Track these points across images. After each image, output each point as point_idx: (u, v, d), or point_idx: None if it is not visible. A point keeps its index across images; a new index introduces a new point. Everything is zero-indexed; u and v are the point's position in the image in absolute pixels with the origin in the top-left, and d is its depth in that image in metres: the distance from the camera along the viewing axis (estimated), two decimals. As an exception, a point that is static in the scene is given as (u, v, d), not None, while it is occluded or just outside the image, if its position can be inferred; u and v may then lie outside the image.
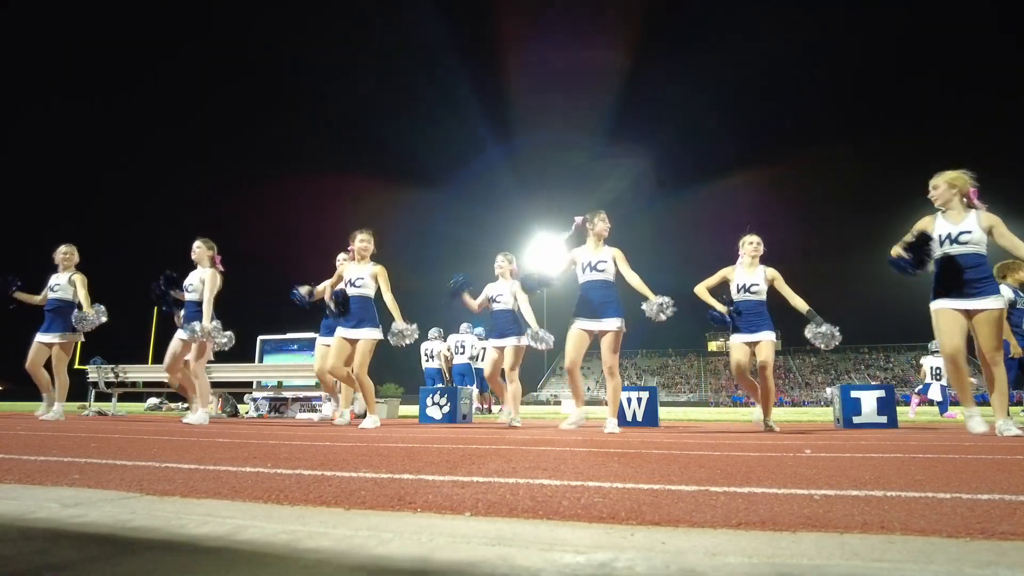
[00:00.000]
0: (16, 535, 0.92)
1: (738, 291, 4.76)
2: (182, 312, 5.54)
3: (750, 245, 4.80)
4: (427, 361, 10.51)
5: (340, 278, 5.37)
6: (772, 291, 4.76)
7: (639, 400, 5.94)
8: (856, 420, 5.43)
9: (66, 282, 5.86)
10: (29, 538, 0.90)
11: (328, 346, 5.51)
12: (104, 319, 5.77)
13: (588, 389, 54.75)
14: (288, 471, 1.66)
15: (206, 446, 2.60)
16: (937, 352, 10.41)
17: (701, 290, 4.88)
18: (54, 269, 5.97)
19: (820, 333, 4.55)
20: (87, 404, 9.42)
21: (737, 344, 4.71)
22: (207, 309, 5.33)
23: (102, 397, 9.25)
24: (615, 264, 4.62)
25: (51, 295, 5.85)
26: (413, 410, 11.36)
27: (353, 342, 5.10)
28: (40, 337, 5.78)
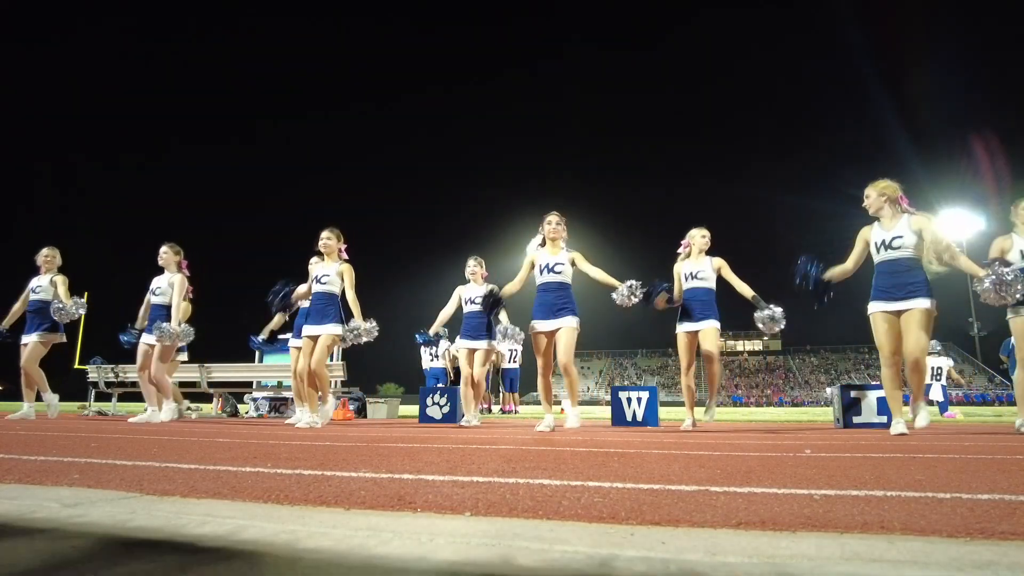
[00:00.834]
0: (16, 535, 0.92)
1: (686, 279, 4.94)
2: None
3: (702, 239, 4.99)
4: (432, 361, 10.50)
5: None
6: (721, 281, 4.94)
7: (639, 400, 5.94)
8: (856, 420, 5.42)
9: (47, 283, 5.90)
10: (29, 538, 0.90)
11: (300, 348, 5.50)
12: (83, 312, 5.76)
13: (588, 389, 54.70)
14: (288, 471, 1.66)
15: (206, 446, 2.60)
16: (935, 353, 10.42)
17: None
18: (36, 271, 5.99)
19: (763, 317, 4.73)
20: (87, 404, 9.41)
21: (680, 332, 4.94)
22: (175, 313, 5.46)
23: (102, 397, 9.25)
24: (572, 266, 4.71)
25: (33, 296, 5.87)
26: (413, 410, 11.36)
27: (315, 339, 5.10)
28: (24, 338, 5.82)
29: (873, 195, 4.09)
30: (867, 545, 0.85)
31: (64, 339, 5.98)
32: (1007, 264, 3.71)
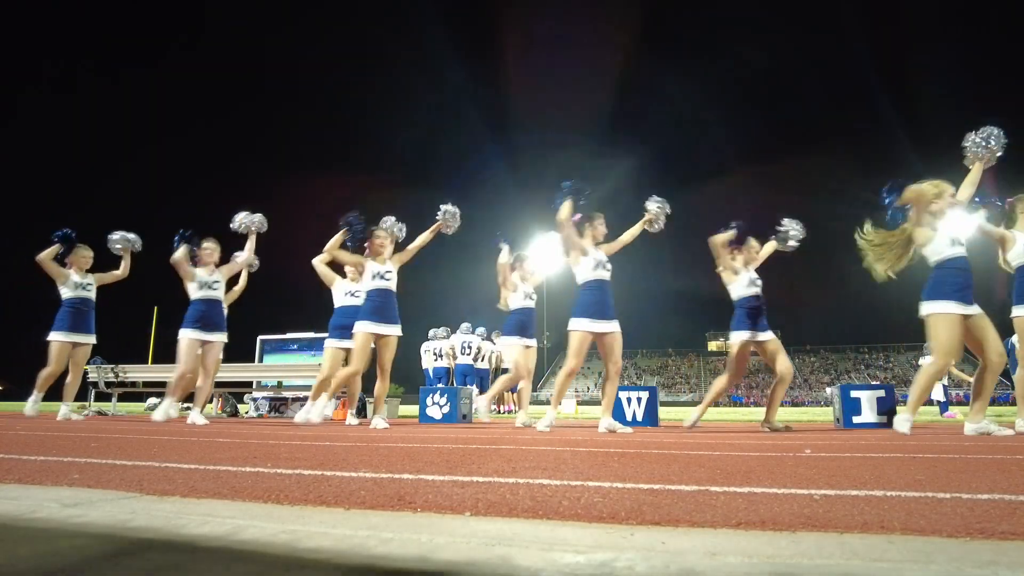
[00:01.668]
0: (16, 535, 0.92)
1: (750, 285, 4.76)
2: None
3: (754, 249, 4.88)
4: (436, 360, 10.50)
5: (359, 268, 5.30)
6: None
7: (639, 400, 5.94)
8: (856, 420, 5.43)
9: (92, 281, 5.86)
10: (29, 538, 0.90)
11: (345, 349, 5.47)
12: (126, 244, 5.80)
13: (588, 389, 54.71)
14: (288, 471, 1.66)
15: (206, 446, 2.60)
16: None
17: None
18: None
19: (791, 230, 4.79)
20: (87, 404, 9.41)
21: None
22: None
23: (102, 397, 9.24)
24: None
25: (91, 295, 5.85)
26: (413, 410, 11.35)
27: (386, 337, 4.95)
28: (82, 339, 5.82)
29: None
30: (867, 545, 0.85)
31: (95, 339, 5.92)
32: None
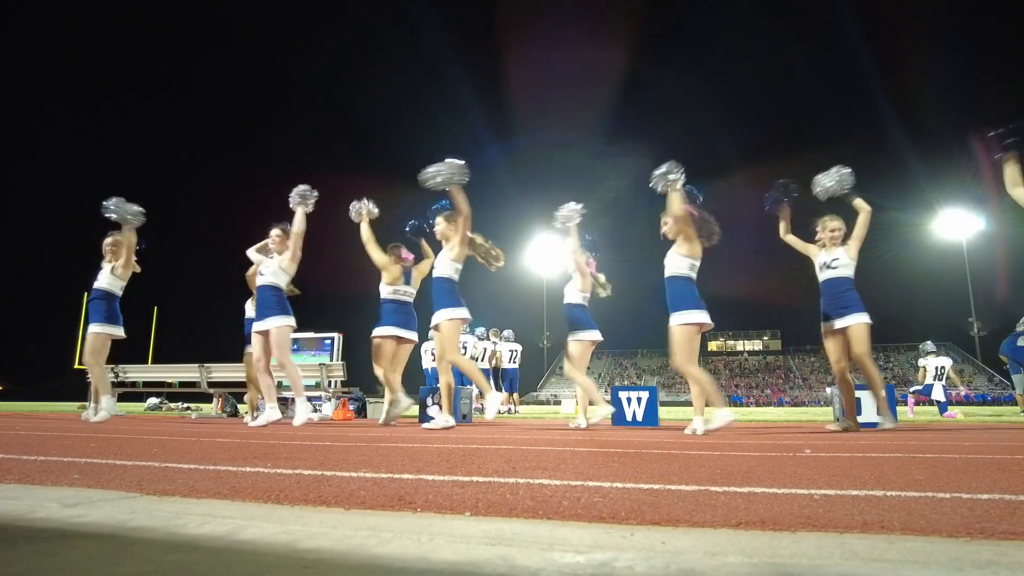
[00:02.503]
0: (16, 535, 0.92)
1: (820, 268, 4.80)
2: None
3: (831, 232, 4.83)
4: (433, 361, 10.50)
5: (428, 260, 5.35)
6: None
7: (639, 400, 5.94)
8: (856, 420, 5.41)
9: (109, 272, 5.43)
10: (29, 538, 0.90)
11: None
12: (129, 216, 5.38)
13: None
14: (288, 471, 1.66)
15: (206, 446, 2.60)
16: (934, 352, 10.50)
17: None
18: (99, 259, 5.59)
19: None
20: (87, 404, 9.42)
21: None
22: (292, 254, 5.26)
23: (102, 397, 9.24)
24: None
25: (96, 285, 5.43)
26: (413, 410, 11.35)
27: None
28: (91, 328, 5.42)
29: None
30: (867, 545, 0.85)
31: (123, 332, 5.54)
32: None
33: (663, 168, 4.17)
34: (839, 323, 4.58)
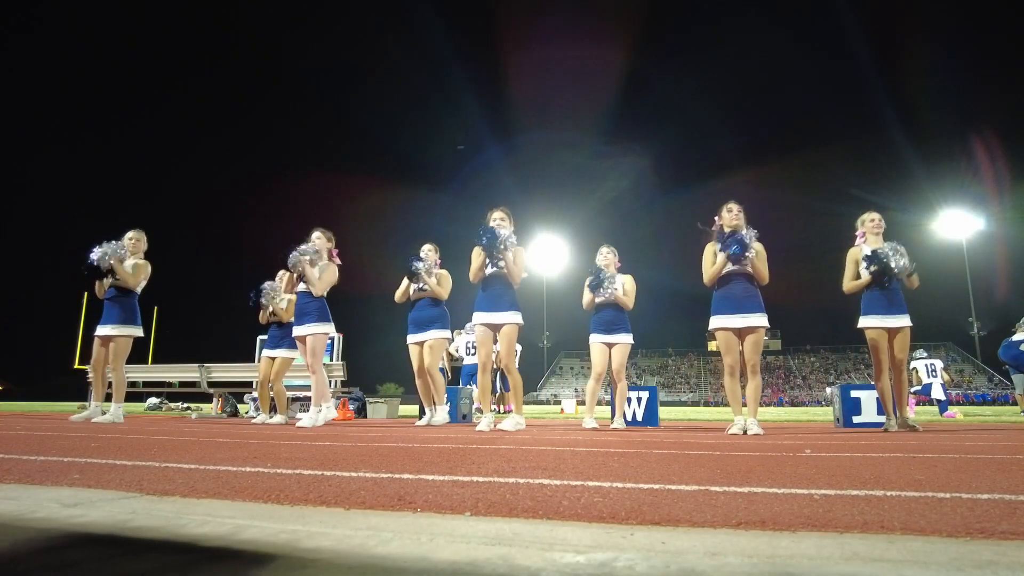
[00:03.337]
0: (16, 535, 0.92)
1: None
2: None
3: (872, 222, 4.78)
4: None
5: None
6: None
7: (639, 400, 5.94)
8: (856, 420, 5.42)
9: (129, 268, 5.33)
10: (29, 538, 0.90)
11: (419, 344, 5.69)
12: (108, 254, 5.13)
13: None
14: (288, 471, 1.66)
15: (206, 446, 2.60)
16: (923, 357, 10.61)
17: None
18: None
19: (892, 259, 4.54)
20: (87, 404, 9.41)
21: None
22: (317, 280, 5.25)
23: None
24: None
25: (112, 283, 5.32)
26: (413, 410, 11.36)
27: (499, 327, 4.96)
28: (98, 330, 5.30)
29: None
30: (867, 545, 0.85)
31: (142, 331, 5.46)
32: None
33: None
34: (899, 321, 4.55)
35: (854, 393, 5.53)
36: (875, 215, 4.78)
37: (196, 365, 8.54)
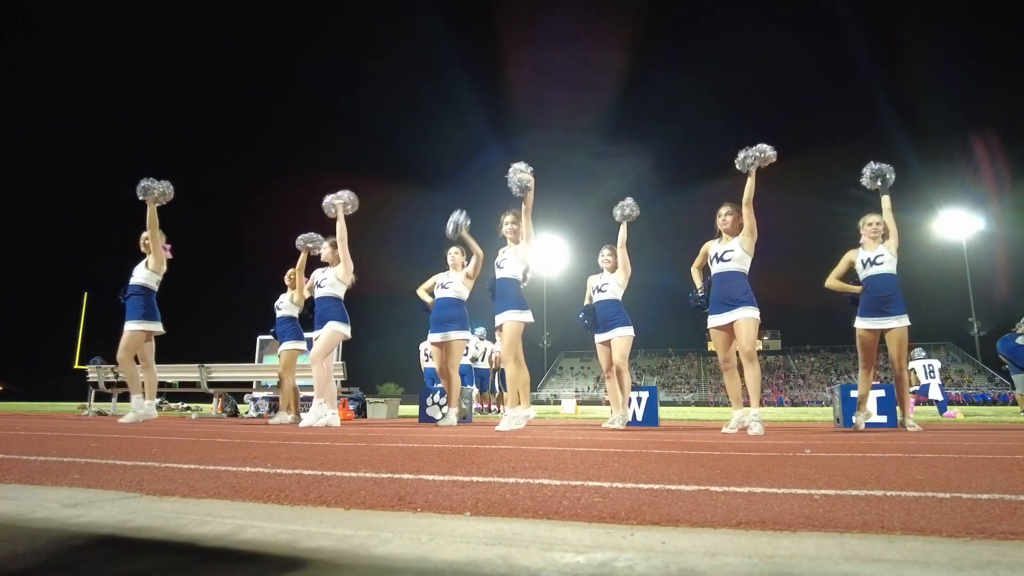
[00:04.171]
0: (16, 535, 0.92)
1: (863, 265, 4.79)
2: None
3: (870, 226, 4.82)
4: (427, 361, 10.50)
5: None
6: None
7: (639, 400, 5.94)
8: (855, 419, 5.42)
9: (143, 267, 5.42)
10: (29, 538, 0.90)
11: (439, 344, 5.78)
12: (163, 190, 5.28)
13: (588, 389, 54.74)
14: (288, 471, 1.66)
15: (206, 446, 2.60)
16: (922, 357, 10.63)
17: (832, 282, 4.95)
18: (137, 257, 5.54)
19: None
20: (87, 404, 9.42)
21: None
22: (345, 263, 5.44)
23: (102, 397, 9.25)
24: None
25: (132, 281, 5.41)
26: (413, 410, 11.35)
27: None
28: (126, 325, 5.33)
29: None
30: (867, 545, 0.85)
31: (162, 327, 5.45)
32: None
33: (759, 146, 4.33)
34: (892, 322, 4.60)
35: (854, 393, 5.52)
36: (874, 219, 4.82)
37: (196, 365, 8.54)
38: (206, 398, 9.57)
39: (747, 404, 4.25)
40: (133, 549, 0.84)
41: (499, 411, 11.00)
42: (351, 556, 0.79)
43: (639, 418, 5.91)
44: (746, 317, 4.23)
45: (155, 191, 5.28)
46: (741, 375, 4.37)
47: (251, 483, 1.43)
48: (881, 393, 5.48)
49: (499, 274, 4.89)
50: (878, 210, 4.82)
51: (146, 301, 5.36)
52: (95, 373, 8.84)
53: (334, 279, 5.40)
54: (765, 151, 4.29)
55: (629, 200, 5.35)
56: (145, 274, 5.42)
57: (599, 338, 5.47)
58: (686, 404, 49.81)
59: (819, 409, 24.12)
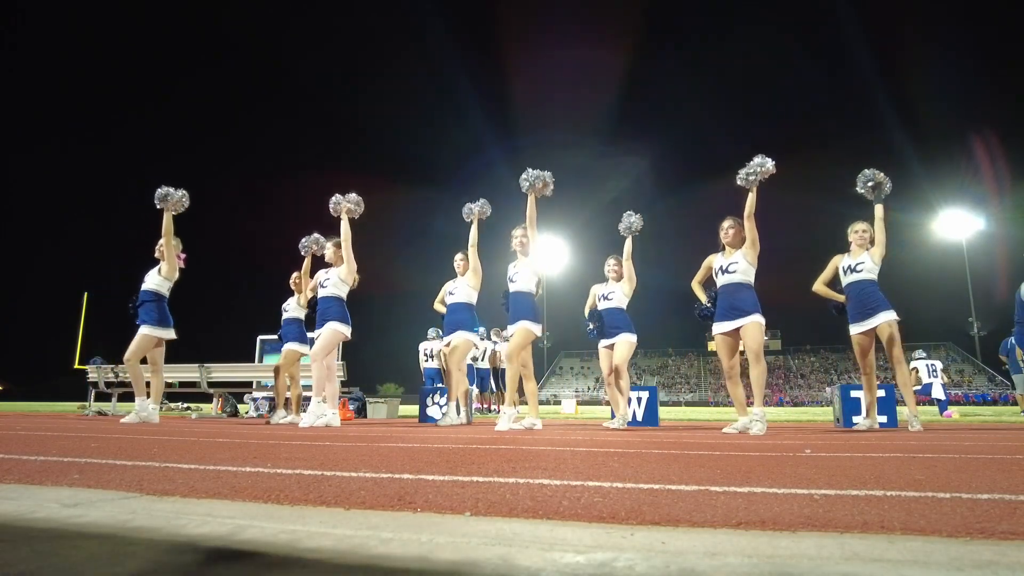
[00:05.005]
0: (16, 535, 0.92)
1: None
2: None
3: (856, 233, 4.89)
4: (426, 361, 10.51)
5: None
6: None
7: (639, 400, 5.94)
8: (856, 420, 5.42)
9: (156, 273, 5.47)
10: (29, 538, 0.90)
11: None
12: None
13: (588, 389, 54.73)
14: (288, 471, 1.66)
15: (206, 446, 2.60)
16: (923, 357, 10.65)
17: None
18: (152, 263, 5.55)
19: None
20: (87, 404, 9.42)
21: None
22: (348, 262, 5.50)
23: (102, 397, 9.24)
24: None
25: (145, 287, 5.46)
26: (413, 410, 11.36)
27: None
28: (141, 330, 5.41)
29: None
30: (867, 545, 0.85)
31: (173, 333, 5.53)
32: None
33: (757, 160, 4.34)
34: (877, 320, 4.69)
35: (854, 393, 5.53)
36: (860, 226, 4.88)
37: (196, 365, 8.54)
38: (206, 398, 9.57)
39: (750, 404, 4.27)
40: (133, 549, 0.84)
41: (499, 411, 11.00)
42: (351, 556, 0.79)
43: (639, 418, 5.91)
44: (753, 322, 4.30)
45: (173, 199, 5.33)
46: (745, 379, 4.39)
47: (251, 483, 1.43)
48: (881, 393, 5.48)
49: (512, 288, 4.97)
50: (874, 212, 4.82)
51: (159, 307, 5.44)
52: (95, 373, 8.84)
53: (337, 279, 5.44)
54: (765, 164, 4.31)
55: (635, 217, 5.37)
56: (158, 280, 5.47)
57: (603, 343, 5.50)
58: (686, 404, 49.80)
59: (819, 409, 24.12)
